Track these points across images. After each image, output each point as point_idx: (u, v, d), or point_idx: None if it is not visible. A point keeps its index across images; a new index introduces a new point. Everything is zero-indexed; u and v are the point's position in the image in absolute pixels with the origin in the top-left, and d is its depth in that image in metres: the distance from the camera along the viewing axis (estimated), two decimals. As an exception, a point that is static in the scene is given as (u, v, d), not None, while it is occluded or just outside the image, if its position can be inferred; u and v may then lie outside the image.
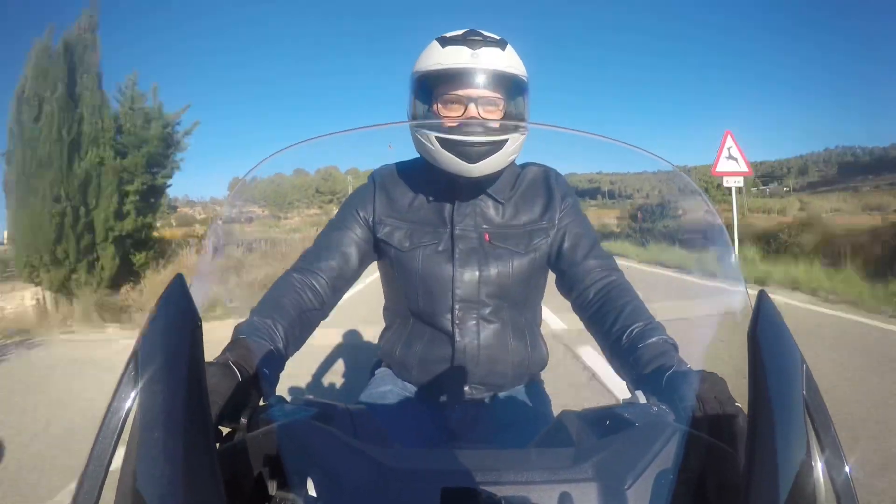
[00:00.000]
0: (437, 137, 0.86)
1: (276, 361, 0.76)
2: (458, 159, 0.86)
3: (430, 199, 0.98)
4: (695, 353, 0.75)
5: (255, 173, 0.70)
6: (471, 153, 0.85)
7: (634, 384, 0.76)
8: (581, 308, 0.94)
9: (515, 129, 0.89)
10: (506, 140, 0.86)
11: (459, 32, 0.90)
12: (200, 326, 0.42)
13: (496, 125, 0.88)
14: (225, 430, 0.60)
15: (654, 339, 0.78)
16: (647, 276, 9.41)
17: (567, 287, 0.97)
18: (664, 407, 0.63)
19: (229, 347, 0.69)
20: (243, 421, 0.57)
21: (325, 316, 0.95)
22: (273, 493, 0.47)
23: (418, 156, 1.02)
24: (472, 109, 0.89)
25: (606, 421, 0.60)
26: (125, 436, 0.38)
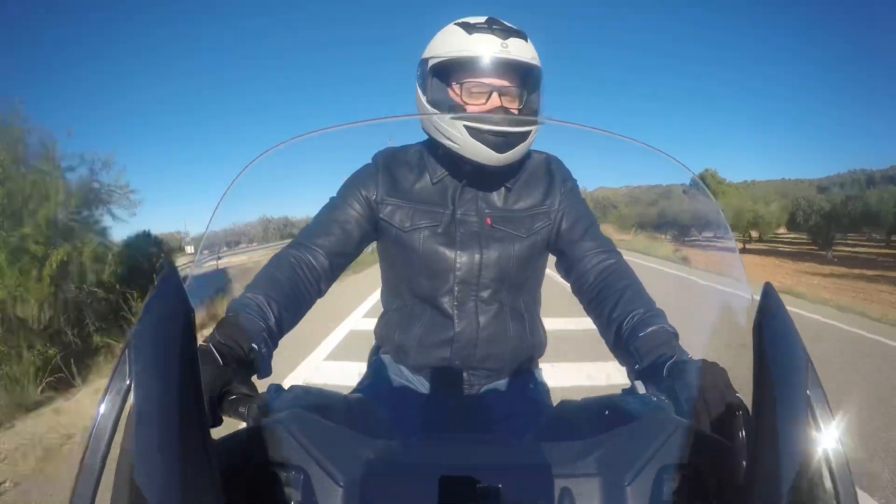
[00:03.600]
0: (465, 126, 0.85)
1: (267, 339, 0.76)
2: (486, 147, 0.86)
3: (434, 182, 0.97)
4: (696, 343, 0.75)
5: (257, 166, 0.68)
6: (500, 143, 0.86)
7: (635, 373, 0.75)
8: (581, 291, 0.94)
9: (536, 119, 0.90)
10: (530, 131, 0.87)
11: (482, 19, 0.89)
12: (193, 318, 0.42)
13: (518, 114, 0.89)
14: (225, 419, 0.60)
15: (654, 328, 0.77)
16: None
17: (566, 268, 0.97)
18: (664, 397, 0.63)
19: (218, 326, 0.68)
20: (241, 411, 0.57)
21: (321, 293, 0.94)
22: (272, 485, 0.47)
23: (417, 142, 1.02)
24: (496, 99, 0.89)
25: (606, 411, 0.60)
26: (120, 430, 0.38)
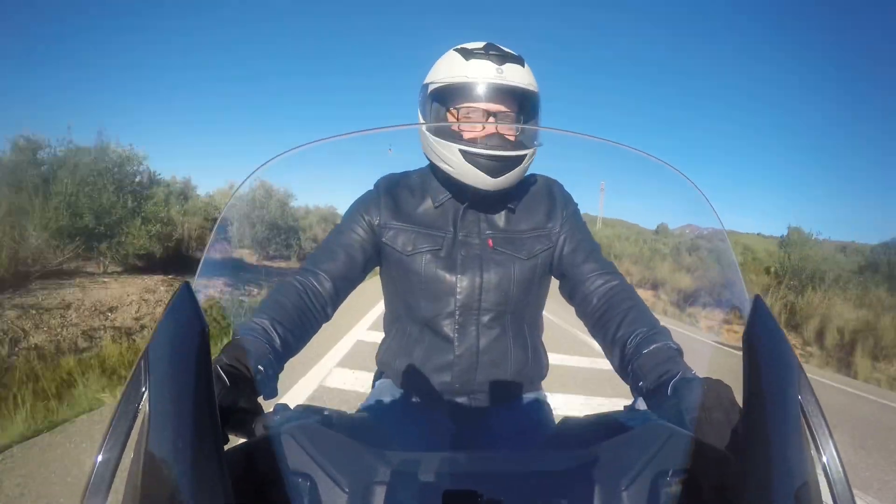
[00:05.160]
0: (460, 150, 0.87)
1: (272, 362, 0.76)
2: (480, 172, 0.87)
3: (436, 205, 0.99)
4: (700, 359, 0.75)
5: (258, 175, 0.70)
6: (494, 167, 0.87)
7: (640, 391, 0.76)
8: (585, 314, 0.94)
9: (531, 144, 0.91)
10: (524, 155, 0.88)
11: (479, 45, 0.91)
12: (207, 332, 0.43)
13: (514, 139, 0.90)
14: (231, 436, 0.60)
15: (658, 345, 0.78)
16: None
17: (569, 291, 0.97)
18: (666, 413, 0.63)
19: (224, 349, 0.70)
20: (248, 429, 0.58)
21: (327, 318, 0.95)
22: (279, 492, 0.48)
23: (421, 166, 1.04)
24: (492, 123, 0.90)
25: (608, 427, 0.60)
26: (133, 436, 0.39)
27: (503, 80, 0.88)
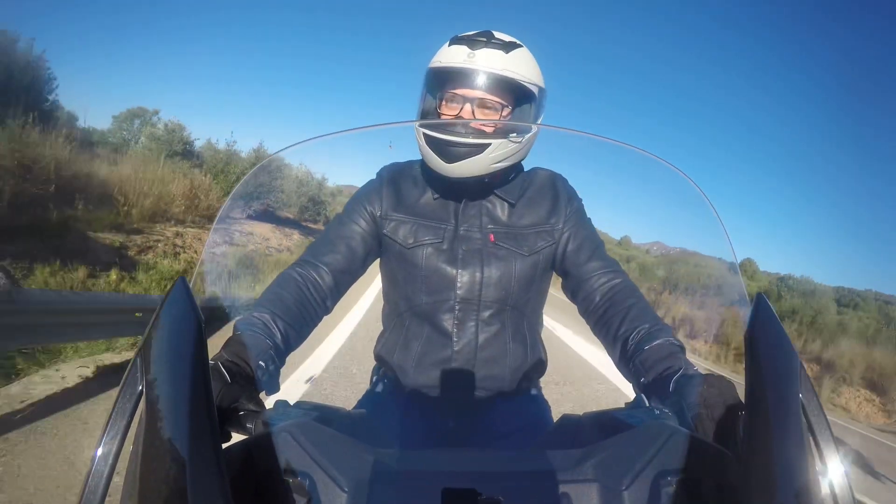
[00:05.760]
0: (424, 134, 0.87)
1: (274, 356, 0.76)
2: (438, 158, 0.86)
3: (437, 196, 0.97)
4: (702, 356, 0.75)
5: (255, 173, 0.70)
6: (450, 153, 0.85)
7: (641, 387, 0.75)
8: (587, 312, 0.93)
9: (504, 134, 0.87)
10: (487, 144, 0.85)
11: (472, 32, 0.89)
12: (203, 326, 0.43)
13: (488, 129, 0.88)
14: (234, 433, 0.60)
15: (660, 341, 0.77)
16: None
17: (572, 289, 0.96)
18: (667, 410, 0.63)
19: (225, 345, 0.69)
20: (248, 427, 0.58)
21: (328, 311, 0.94)
22: (277, 491, 0.47)
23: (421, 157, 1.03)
24: (468, 110, 0.89)
25: (608, 424, 0.60)
26: (130, 435, 0.38)
27: (470, 65, 0.86)
